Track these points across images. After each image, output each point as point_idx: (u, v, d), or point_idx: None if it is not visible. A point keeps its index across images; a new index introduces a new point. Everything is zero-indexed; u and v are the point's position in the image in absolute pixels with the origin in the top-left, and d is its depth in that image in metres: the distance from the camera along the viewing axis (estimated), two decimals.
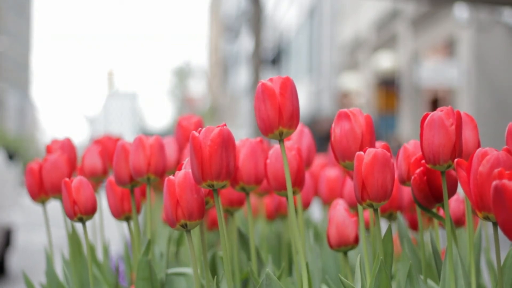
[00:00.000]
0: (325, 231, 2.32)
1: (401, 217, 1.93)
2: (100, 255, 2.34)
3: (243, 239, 1.88)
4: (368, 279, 1.47)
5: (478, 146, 1.53)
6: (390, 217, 1.92)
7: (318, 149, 2.43)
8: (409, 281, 1.49)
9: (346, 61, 22.12)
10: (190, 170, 1.44)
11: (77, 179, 1.67)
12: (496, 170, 1.12)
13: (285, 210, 2.30)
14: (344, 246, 1.67)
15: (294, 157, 1.66)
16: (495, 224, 1.29)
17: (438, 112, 1.40)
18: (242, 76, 41.28)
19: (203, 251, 1.50)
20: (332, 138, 1.52)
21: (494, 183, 1.06)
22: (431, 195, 1.53)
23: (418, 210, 1.65)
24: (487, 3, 10.75)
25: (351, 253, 2.09)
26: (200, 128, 1.41)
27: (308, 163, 2.00)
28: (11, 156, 8.45)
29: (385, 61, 17.64)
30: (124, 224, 3.85)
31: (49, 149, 2.08)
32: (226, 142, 1.40)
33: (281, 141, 1.48)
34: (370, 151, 1.38)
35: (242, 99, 41.67)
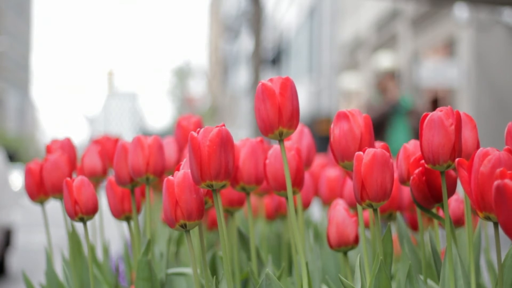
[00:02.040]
0: (325, 231, 2.32)
1: (401, 217, 1.93)
2: (100, 255, 2.34)
3: (243, 239, 1.88)
4: (368, 279, 1.47)
5: (478, 146, 1.53)
6: (390, 217, 1.92)
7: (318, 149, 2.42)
8: (409, 281, 1.49)
9: (346, 61, 22.11)
10: (188, 170, 1.44)
11: (78, 178, 1.68)
12: (498, 170, 1.12)
13: (285, 210, 2.30)
14: (344, 246, 1.67)
15: (293, 157, 1.66)
16: (495, 224, 1.29)
17: (437, 112, 1.40)
18: (242, 76, 41.28)
19: (202, 251, 1.49)
20: (331, 139, 1.52)
21: (496, 183, 1.06)
22: (430, 196, 1.53)
23: (418, 210, 1.65)
24: (487, 3, 10.75)
25: (351, 253, 2.09)
26: (198, 129, 1.41)
27: (308, 163, 2.00)
28: (11, 156, 8.46)
29: (385, 61, 17.62)
30: (124, 224, 3.85)
31: (49, 149, 2.08)
32: (224, 142, 1.40)
33: (281, 141, 1.48)
34: (369, 151, 1.38)
35: (242, 99, 41.67)
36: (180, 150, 2.21)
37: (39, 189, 1.98)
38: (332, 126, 1.52)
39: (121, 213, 1.84)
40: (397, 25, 17.06)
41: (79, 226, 1.98)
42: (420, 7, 14.92)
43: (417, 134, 6.72)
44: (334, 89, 23.28)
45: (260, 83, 1.46)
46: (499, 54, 12.98)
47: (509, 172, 1.12)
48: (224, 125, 1.42)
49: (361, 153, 1.39)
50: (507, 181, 1.06)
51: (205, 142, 1.39)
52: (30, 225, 10.79)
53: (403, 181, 1.61)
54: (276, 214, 2.42)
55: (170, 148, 2.21)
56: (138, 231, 1.82)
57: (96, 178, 2.10)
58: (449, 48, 14.42)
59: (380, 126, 6.93)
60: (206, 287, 1.48)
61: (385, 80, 7.29)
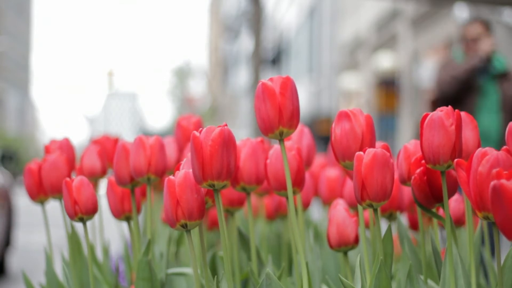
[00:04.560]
0: (325, 231, 2.32)
1: (401, 217, 1.93)
2: (100, 255, 2.34)
3: (243, 239, 1.88)
4: (368, 279, 1.47)
5: (479, 146, 1.53)
6: (390, 217, 1.92)
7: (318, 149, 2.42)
8: (409, 281, 1.49)
9: (346, 61, 22.11)
10: (189, 170, 1.44)
11: (78, 178, 1.68)
12: (494, 170, 1.12)
13: (285, 210, 2.30)
14: (344, 246, 1.67)
15: (294, 157, 1.66)
16: (494, 224, 1.29)
17: (438, 112, 1.40)
18: (242, 76, 41.29)
19: (202, 251, 1.49)
20: (332, 138, 1.52)
21: (492, 183, 1.06)
22: (431, 195, 1.53)
23: (419, 210, 1.65)
24: (487, 3, 10.75)
25: (351, 253, 2.09)
26: (200, 128, 1.41)
27: (308, 163, 2.00)
28: (11, 156, 8.46)
29: (385, 61, 17.62)
30: (124, 224, 3.85)
31: (47, 149, 2.08)
32: (227, 142, 1.40)
33: (281, 141, 1.48)
34: (370, 151, 1.38)
35: (242, 99, 41.67)
36: (180, 150, 2.21)
37: (39, 189, 1.98)
38: (333, 125, 1.52)
39: (121, 213, 1.84)
40: (397, 25, 17.06)
41: (79, 226, 1.98)
42: (420, 7, 14.92)
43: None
44: (334, 89, 23.27)
45: (260, 83, 1.46)
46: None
47: (505, 172, 1.12)
48: (226, 125, 1.42)
49: (361, 153, 1.39)
50: (503, 181, 1.06)
51: (207, 142, 1.39)
52: (30, 225, 10.79)
53: (404, 181, 1.61)
54: (276, 214, 2.42)
55: (170, 148, 2.21)
56: (138, 231, 1.82)
57: (95, 178, 2.10)
58: (449, 48, 14.42)
59: (464, 90, 4.72)
60: (207, 287, 1.47)
61: (476, 28, 4.85)
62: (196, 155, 1.39)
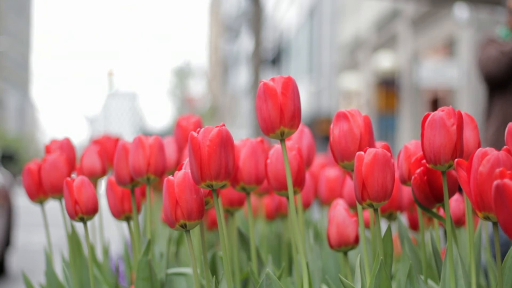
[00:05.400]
0: (324, 231, 2.32)
1: (401, 217, 1.93)
2: (100, 255, 2.34)
3: (243, 239, 1.88)
4: (368, 279, 1.47)
5: (479, 146, 1.53)
6: (390, 217, 1.92)
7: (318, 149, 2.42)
8: (409, 281, 1.49)
9: (346, 61, 22.11)
10: (189, 170, 1.44)
11: (78, 178, 1.67)
12: (497, 170, 1.12)
13: (285, 210, 2.30)
14: (344, 246, 1.67)
15: (295, 157, 1.66)
16: (495, 224, 1.29)
17: (439, 112, 1.40)
18: (242, 76, 41.29)
19: (203, 251, 1.49)
20: (331, 139, 1.51)
21: (495, 182, 1.06)
22: (431, 195, 1.52)
23: (419, 210, 1.65)
24: (487, 3, 10.74)
25: (351, 253, 2.09)
26: (198, 129, 1.41)
27: (308, 163, 2.00)
28: (11, 156, 8.45)
29: (385, 61, 17.62)
30: (124, 224, 3.85)
31: (48, 149, 2.07)
32: (224, 142, 1.40)
33: (282, 141, 1.48)
34: (371, 151, 1.38)
35: (242, 99, 41.68)
36: (180, 150, 2.21)
37: (38, 189, 1.98)
38: (331, 126, 1.52)
39: (121, 213, 1.84)
40: (397, 25, 17.06)
41: (78, 226, 1.98)
42: (420, 7, 14.92)
43: None
44: (334, 89, 23.27)
45: (262, 82, 1.45)
46: None
47: (508, 172, 1.12)
48: (224, 125, 1.42)
49: (362, 153, 1.39)
50: (506, 180, 1.06)
51: (205, 142, 1.39)
52: (30, 225, 10.79)
53: (404, 181, 1.61)
54: (276, 214, 2.42)
55: (170, 148, 2.21)
56: (138, 231, 1.82)
57: (95, 178, 2.09)
58: (449, 48, 14.42)
59: None
60: (207, 287, 1.47)
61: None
62: (194, 156, 1.39)
